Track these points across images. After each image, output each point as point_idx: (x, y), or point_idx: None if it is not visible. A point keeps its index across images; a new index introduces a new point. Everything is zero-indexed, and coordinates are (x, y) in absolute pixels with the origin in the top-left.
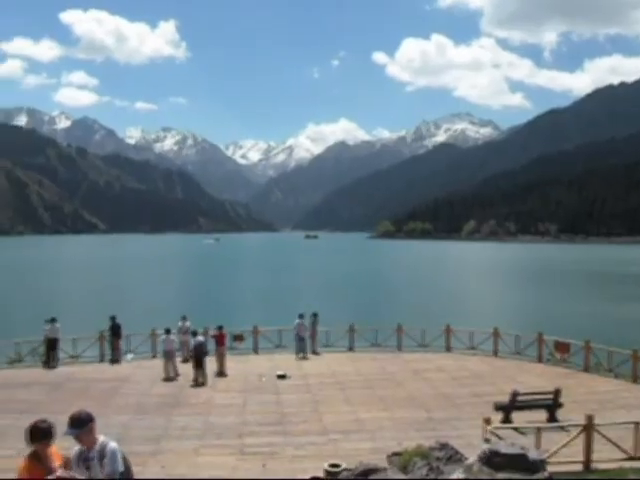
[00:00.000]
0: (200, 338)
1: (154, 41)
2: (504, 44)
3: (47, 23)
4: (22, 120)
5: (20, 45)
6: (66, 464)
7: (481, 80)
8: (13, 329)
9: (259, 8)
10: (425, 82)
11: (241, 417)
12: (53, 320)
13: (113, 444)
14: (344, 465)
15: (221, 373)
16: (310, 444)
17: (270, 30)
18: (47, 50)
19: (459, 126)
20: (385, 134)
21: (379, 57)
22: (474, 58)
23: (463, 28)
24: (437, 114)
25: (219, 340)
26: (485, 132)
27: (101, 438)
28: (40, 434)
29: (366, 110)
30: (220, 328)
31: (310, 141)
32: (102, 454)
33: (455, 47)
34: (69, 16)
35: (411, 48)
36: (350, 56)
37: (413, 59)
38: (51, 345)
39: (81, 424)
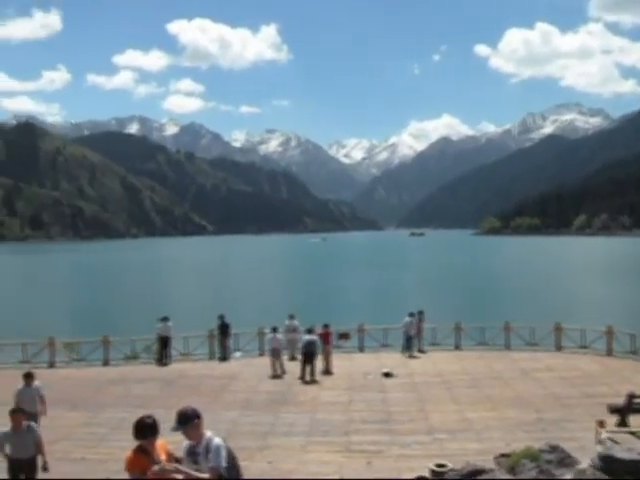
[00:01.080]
0: (312, 336)
1: (256, 45)
2: (614, 29)
3: (155, 34)
4: (134, 128)
5: (131, 57)
6: (171, 457)
7: (590, 68)
8: (129, 327)
9: (358, 8)
10: (530, 73)
11: (347, 415)
12: (165, 319)
13: (218, 440)
14: (450, 465)
15: (327, 371)
16: (416, 443)
17: (369, 29)
18: (156, 60)
19: (567, 117)
20: (490, 128)
21: (481, 49)
22: (582, 45)
23: (569, 14)
24: (543, 105)
25: (325, 338)
26: (595, 122)
27: (208, 434)
28: (145, 430)
29: (469, 104)
30: (326, 326)
31: (413, 138)
32: (207, 449)
33: (561, 35)
34: (175, 26)
35: (515, 38)
36: (451, 50)
37: (517, 50)
38: (164, 343)
39: (187, 420)
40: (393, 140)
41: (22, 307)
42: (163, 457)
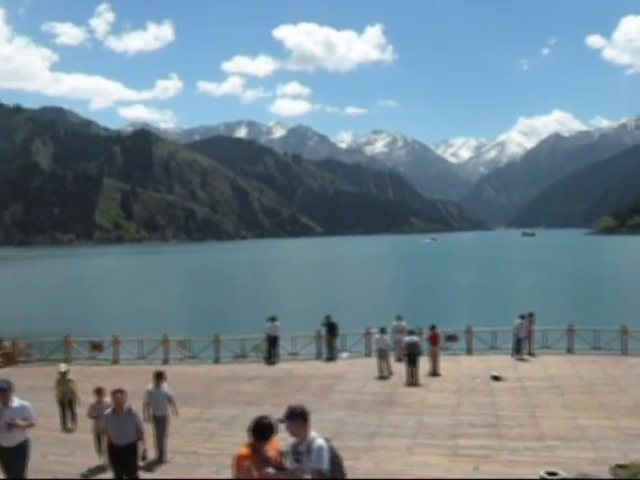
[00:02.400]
0: (414, 337)
1: (361, 47)
2: None
3: (262, 40)
4: (242, 132)
5: (239, 63)
6: (280, 455)
7: None
8: (238, 326)
9: (462, 5)
10: None
11: (454, 418)
12: (274, 319)
13: (320, 441)
14: (563, 474)
15: (434, 373)
16: (526, 449)
17: (474, 25)
18: (263, 65)
19: None
20: (604, 123)
21: (594, 40)
22: None
23: None
24: None
25: (432, 340)
26: None
27: (312, 434)
28: (265, 431)
29: (581, 99)
30: (433, 328)
31: (522, 135)
32: (309, 449)
33: None
34: (281, 31)
35: (630, 27)
36: (561, 43)
37: (633, 39)
38: (272, 342)
39: (294, 417)
40: (501, 138)
41: (139, 305)
42: (272, 454)
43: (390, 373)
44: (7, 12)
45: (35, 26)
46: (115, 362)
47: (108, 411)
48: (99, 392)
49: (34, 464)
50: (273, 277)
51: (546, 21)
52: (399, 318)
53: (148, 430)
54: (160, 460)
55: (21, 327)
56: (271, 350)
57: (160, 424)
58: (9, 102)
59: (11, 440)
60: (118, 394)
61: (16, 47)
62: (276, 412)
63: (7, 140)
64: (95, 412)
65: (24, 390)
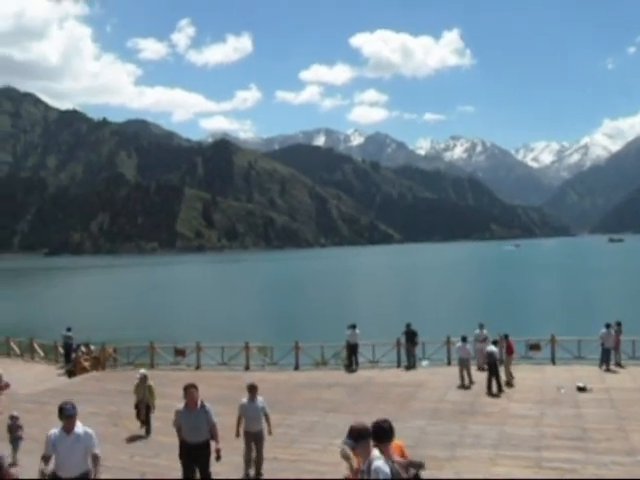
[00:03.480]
0: (492, 347)
1: (439, 52)
2: None
3: (339, 49)
4: (321, 140)
5: (316, 72)
6: (406, 458)
7: None
8: (318, 334)
9: (541, 5)
10: None
11: (538, 429)
12: (354, 326)
13: (378, 463)
14: None
15: (508, 383)
16: (614, 464)
17: (554, 26)
18: (340, 73)
19: None
20: None
21: None
22: None
23: None
24: None
25: (507, 349)
26: None
27: (373, 452)
28: (382, 434)
29: None
30: (506, 337)
31: (607, 138)
32: (369, 470)
33: None
34: (358, 39)
35: None
36: None
37: None
38: (352, 350)
39: (359, 437)
40: (585, 141)
41: (221, 313)
42: (397, 459)
43: (471, 382)
44: (95, 31)
45: (120, 43)
46: (197, 368)
47: (180, 407)
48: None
49: (122, 464)
50: (352, 285)
51: (632, 19)
52: (481, 327)
53: (239, 447)
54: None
55: (108, 333)
56: (351, 357)
57: (255, 440)
58: (96, 116)
59: (72, 470)
60: (191, 389)
61: (103, 64)
62: (356, 420)
63: (94, 153)
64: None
65: (112, 393)
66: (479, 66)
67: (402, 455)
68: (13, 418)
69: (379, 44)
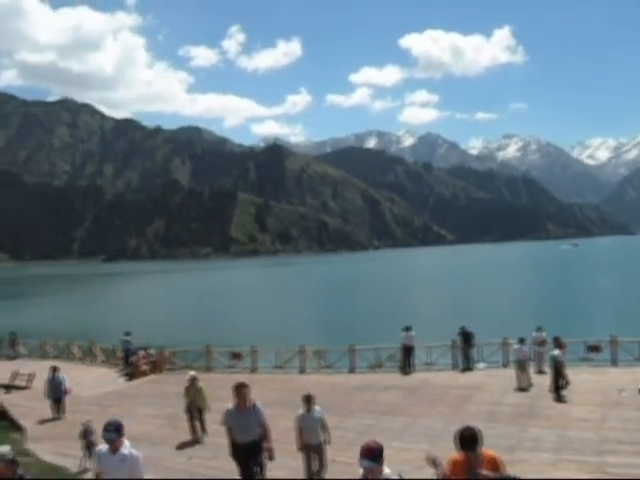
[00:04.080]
0: (556, 351)
1: (490, 50)
2: None
3: (388, 50)
4: (372, 142)
5: (366, 74)
6: (499, 470)
7: None
8: (373, 336)
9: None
10: None
11: (600, 433)
12: (409, 328)
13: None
14: None
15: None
16: None
17: (608, 21)
18: (390, 75)
19: None
20: None
21: None
22: None
23: None
24: None
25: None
26: None
27: (385, 470)
28: (465, 441)
29: None
30: (557, 339)
31: None
32: None
33: None
34: (407, 40)
35: None
36: None
37: None
38: (407, 352)
39: (377, 457)
40: None
41: (275, 316)
42: (484, 472)
43: (529, 385)
44: (148, 40)
45: (172, 51)
46: (253, 371)
47: (230, 407)
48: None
49: (180, 466)
50: (407, 286)
51: None
52: (539, 329)
53: (294, 450)
54: None
55: (166, 337)
56: (406, 360)
57: (316, 452)
58: (150, 124)
59: None
60: (243, 389)
61: (156, 72)
62: (413, 422)
63: (149, 160)
64: None
65: (170, 396)
66: (532, 63)
67: (495, 467)
68: (86, 423)
69: (428, 44)
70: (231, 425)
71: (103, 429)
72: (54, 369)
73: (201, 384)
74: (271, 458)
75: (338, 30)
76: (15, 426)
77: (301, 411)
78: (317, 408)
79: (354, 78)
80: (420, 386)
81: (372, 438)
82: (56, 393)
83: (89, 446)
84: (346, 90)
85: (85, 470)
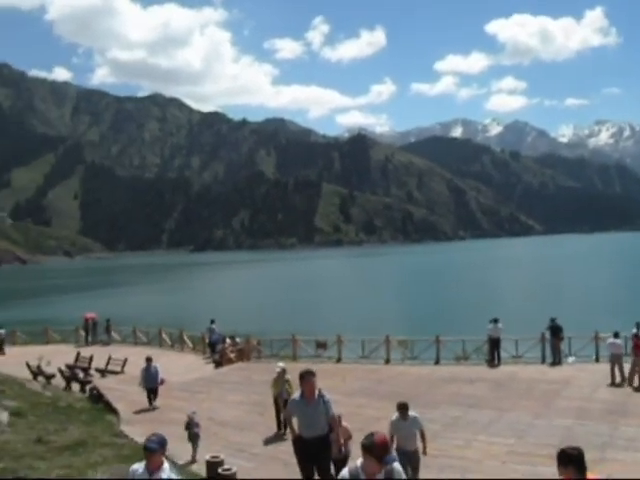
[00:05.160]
0: None
1: (581, 33)
2: None
3: (474, 37)
4: (458, 131)
5: (451, 62)
6: None
7: None
8: (459, 327)
9: None
10: None
11: None
12: (496, 320)
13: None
14: None
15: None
16: None
17: None
18: (475, 62)
19: None
20: None
21: None
22: None
23: None
24: None
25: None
26: None
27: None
28: (566, 460)
29: None
30: (637, 335)
31: None
32: None
33: None
34: (493, 26)
35: None
36: None
37: None
38: (494, 344)
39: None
40: None
41: (360, 306)
42: None
43: (623, 380)
44: (233, 35)
45: (258, 44)
46: (338, 360)
47: (295, 396)
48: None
49: (268, 452)
50: (494, 277)
51: None
52: (638, 325)
53: None
54: None
55: (252, 325)
56: (493, 352)
57: (409, 460)
58: (236, 117)
59: None
60: (309, 376)
61: (242, 66)
62: (500, 416)
63: (235, 152)
64: None
65: (257, 383)
66: (626, 45)
67: None
68: (190, 415)
69: (516, 29)
70: (296, 416)
71: (146, 438)
72: (149, 359)
73: (289, 376)
74: (340, 453)
75: (422, 18)
76: (110, 409)
77: (395, 417)
78: (412, 414)
79: (439, 66)
80: (507, 379)
81: (457, 430)
82: (151, 383)
83: (193, 437)
84: (431, 78)
85: (194, 461)
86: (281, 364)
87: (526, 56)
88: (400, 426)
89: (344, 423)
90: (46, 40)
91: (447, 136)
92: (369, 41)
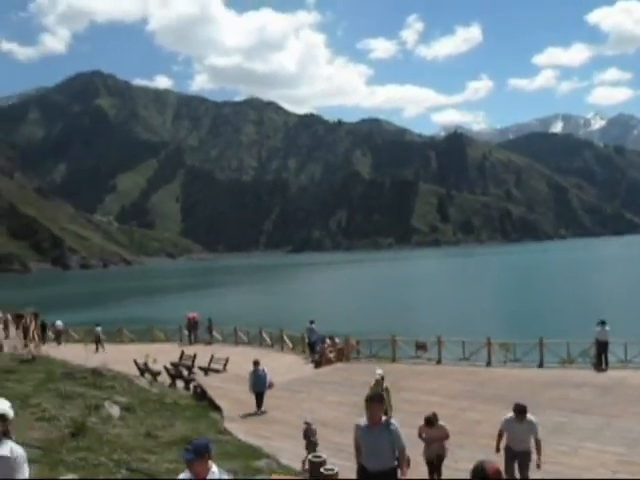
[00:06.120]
0: None
1: None
2: None
3: (574, 28)
4: (558, 127)
5: (551, 55)
6: None
7: None
8: (564, 330)
9: None
10: None
11: None
12: (603, 323)
13: None
14: None
15: None
16: None
17: None
18: (576, 54)
19: None
20: None
21: None
22: None
23: None
24: None
25: None
26: None
27: None
28: None
29: None
30: None
31: None
32: None
33: None
34: (596, 15)
35: None
36: None
37: None
38: (601, 348)
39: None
40: None
41: (459, 307)
42: None
43: None
44: (327, 37)
45: (351, 45)
46: (438, 362)
47: (360, 420)
48: (429, 422)
49: None
50: (599, 278)
51: None
52: None
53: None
54: None
55: (351, 325)
56: (600, 356)
57: (519, 460)
58: (332, 118)
59: None
60: (373, 403)
61: (336, 67)
62: (607, 423)
63: (331, 153)
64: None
65: (356, 384)
66: None
67: None
68: (307, 423)
69: (620, 17)
70: (360, 444)
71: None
72: (256, 362)
73: (387, 384)
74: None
75: (520, 11)
76: (214, 406)
77: (509, 416)
78: (530, 418)
79: (538, 60)
80: (616, 385)
81: (562, 437)
82: (260, 387)
83: (310, 446)
84: (529, 73)
85: (305, 471)
86: (379, 371)
87: (631, 45)
88: (514, 427)
89: (441, 422)
90: (148, 50)
91: (546, 132)
92: (465, 37)
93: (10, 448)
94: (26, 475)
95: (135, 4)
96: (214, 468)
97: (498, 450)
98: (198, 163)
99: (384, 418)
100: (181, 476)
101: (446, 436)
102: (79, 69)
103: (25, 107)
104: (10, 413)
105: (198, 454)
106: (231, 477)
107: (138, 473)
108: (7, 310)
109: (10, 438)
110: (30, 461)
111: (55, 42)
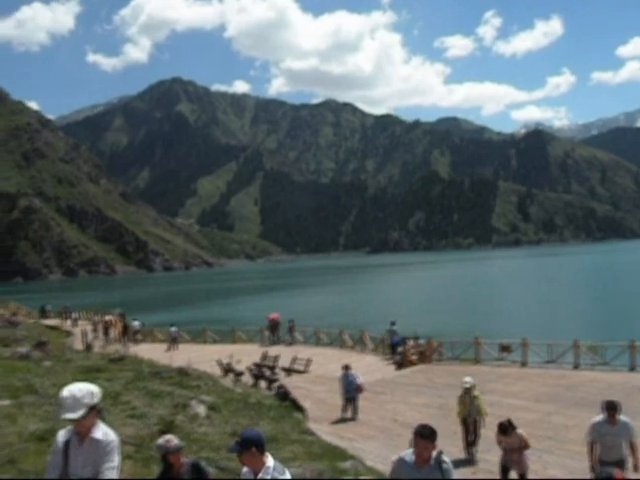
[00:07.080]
0: None
1: None
2: None
3: None
4: None
5: (636, 46)
6: None
7: None
8: None
9: None
10: None
11: None
12: None
13: None
14: None
15: None
16: None
17: None
18: None
19: None
20: None
21: None
22: None
23: None
24: None
25: None
26: None
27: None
28: None
29: None
30: None
31: None
32: None
33: None
34: None
35: None
36: None
37: None
38: None
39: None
40: None
41: (544, 308)
42: None
43: None
44: (403, 36)
45: (428, 44)
46: (523, 365)
47: (406, 455)
48: (504, 429)
49: (454, 456)
50: None
51: None
52: None
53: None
54: None
55: (432, 327)
56: None
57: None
58: (409, 118)
59: None
60: (422, 441)
61: (413, 66)
62: None
63: (408, 153)
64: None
65: (440, 386)
66: None
67: None
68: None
69: None
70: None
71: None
72: (346, 367)
73: (477, 392)
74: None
75: (602, 1)
76: (297, 406)
77: (600, 419)
78: (623, 419)
79: (622, 51)
80: None
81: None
82: (351, 393)
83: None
84: (614, 65)
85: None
86: (468, 379)
87: None
88: (606, 431)
89: (519, 430)
90: (226, 56)
91: (633, 126)
92: (544, 31)
93: (104, 432)
94: (116, 462)
95: (213, 11)
96: (270, 463)
97: (593, 468)
98: (276, 166)
99: (434, 453)
100: (244, 470)
101: (526, 446)
102: (160, 77)
103: (110, 115)
104: (99, 395)
105: (244, 446)
106: (288, 477)
107: (227, 472)
108: (97, 312)
109: (104, 421)
110: (124, 457)
111: (137, 52)
